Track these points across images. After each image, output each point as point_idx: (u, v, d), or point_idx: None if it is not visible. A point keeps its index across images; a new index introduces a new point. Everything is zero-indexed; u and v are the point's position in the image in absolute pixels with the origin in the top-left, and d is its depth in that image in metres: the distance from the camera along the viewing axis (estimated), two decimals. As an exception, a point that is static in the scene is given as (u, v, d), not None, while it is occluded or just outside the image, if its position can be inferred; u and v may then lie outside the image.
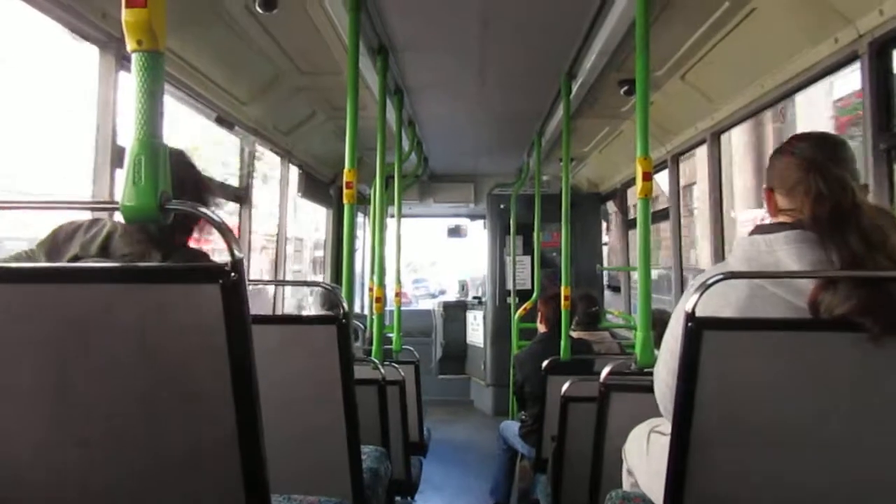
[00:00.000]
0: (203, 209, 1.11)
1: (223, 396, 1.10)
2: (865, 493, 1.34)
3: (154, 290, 1.12)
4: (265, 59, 3.58)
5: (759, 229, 1.53)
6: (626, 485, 2.03)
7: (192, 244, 1.74)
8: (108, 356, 1.13)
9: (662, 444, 1.71)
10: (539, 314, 4.29)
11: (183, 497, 1.19)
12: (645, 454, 1.90)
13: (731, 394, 1.34)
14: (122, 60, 2.49)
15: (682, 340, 1.32)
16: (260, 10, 2.80)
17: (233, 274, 1.07)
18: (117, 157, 2.49)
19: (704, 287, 1.33)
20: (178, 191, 1.13)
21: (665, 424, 1.77)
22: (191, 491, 1.18)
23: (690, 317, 1.29)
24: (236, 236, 1.19)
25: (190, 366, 1.13)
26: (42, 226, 1.69)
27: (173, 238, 1.66)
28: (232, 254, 1.08)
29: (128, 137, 1.08)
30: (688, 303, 1.32)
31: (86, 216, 1.71)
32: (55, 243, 1.66)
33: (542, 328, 4.24)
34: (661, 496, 1.40)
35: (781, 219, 1.54)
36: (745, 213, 10.39)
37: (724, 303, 1.42)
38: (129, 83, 1.08)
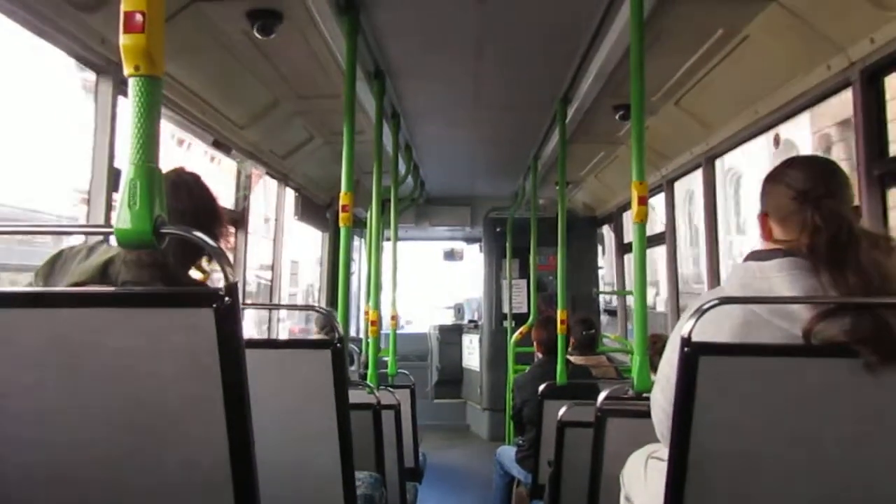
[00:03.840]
0: (198, 234, 1.10)
1: (216, 421, 1.09)
2: None
3: (148, 314, 1.12)
4: (263, 84, 3.60)
5: (754, 256, 1.53)
6: (624, 512, 2.00)
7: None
8: (100, 380, 1.12)
9: (661, 471, 1.69)
10: (534, 341, 4.28)
11: None
12: (643, 480, 1.88)
13: (727, 419, 1.33)
14: (121, 85, 2.50)
15: (678, 366, 1.31)
16: (258, 35, 2.82)
17: (227, 298, 1.07)
18: (114, 181, 2.49)
19: (700, 312, 1.33)
20: (191, 218, 1.13)
21: (663, 450, 1.75)
22: None
23: (686, 342, 1.29)
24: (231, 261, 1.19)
25: (183, 390, 1.12)
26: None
27: (179, 268, 1.65)
28: (226, 278, 1.08)
29: (124, 161, 1.08)
30: (683, 328, 1.31)
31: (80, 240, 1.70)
32: (53, 269, 1.64)
33: (538, 353, 4.22)
34: None
35: (776, 246, 1.54)
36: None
37: (718, 330, 1.41)
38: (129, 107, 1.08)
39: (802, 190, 1.50)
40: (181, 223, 1.12)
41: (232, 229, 4.08)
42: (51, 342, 1.11)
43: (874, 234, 1.44)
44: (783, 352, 1.33)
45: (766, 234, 1.60)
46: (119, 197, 1.06)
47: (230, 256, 1.20)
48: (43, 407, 1.13)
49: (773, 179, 1.60)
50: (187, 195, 1.72)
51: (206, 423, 1.12)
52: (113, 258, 1.61)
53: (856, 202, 1.56)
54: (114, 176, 2.49)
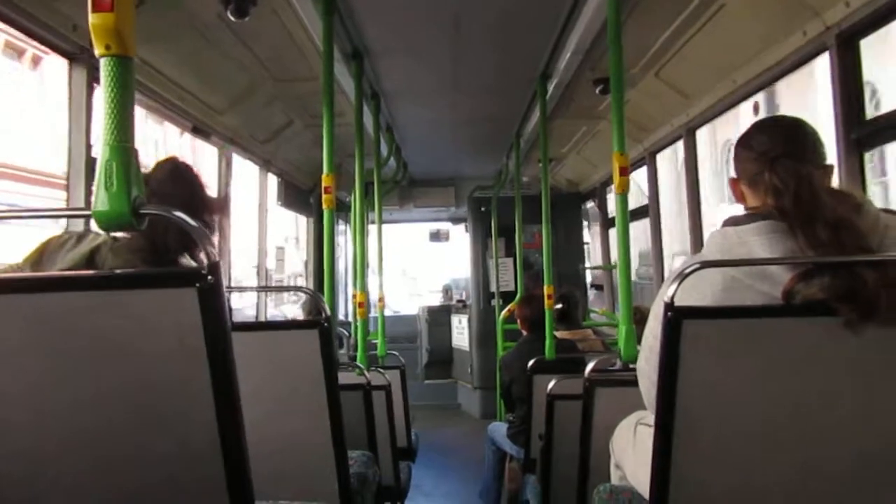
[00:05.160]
0: (178, 214, 1.09)
1: (204, 400, 1.09)
2: (848, 476, 1.35)
3: (132, 295, 1.11)
4: (239, 67, 3.57)
5: (731, 221, 1.52)
6: (615, 478, 2.03)
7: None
8: (87, 363, 1.12)
9: (649, 436, 1.71)
10: (518, 319, 4.30)
11: (166, 502, 1.17)
12: (632, 447, 1.90)
13: (712, 382, 1.34)
14: (95, 72, 2.47)
15: (661, 331, 1.32)
16: (232, 18, 2.78)
17: (209, 277, 1.06)
18: (91, 167, 2.47)
19: (682, 276, 1.33)
20: (189, 206, 1.12)
21: (651, 416, 1.77)
22: (173, 496, 1.17)
23: (669, 306, 1.30)
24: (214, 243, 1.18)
25: (170, 371, 1.12)
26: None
27: (167, 254, 1.64)
28: (208, 257, 1.08)
29: (98, 143, 1.07)
30: (666, 293, 1.32)
31: (61, 225, 1.69)
32: (41, 257, 1.65)
33: (524, 331, 4.25)
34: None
35: (752, 211, 1.54)
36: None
37: (699, 296, 1.41)
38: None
39: (763, 151, 1.51)
40: (183, 211, 1.11)
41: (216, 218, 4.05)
42: (36, 327, 1.11)
43: (837, 190, 1.44)
44: (765, 312, 1.35)
45: (739, 198, 1.61)
46: (96, 179, 1.05)
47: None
48: (30, 391, 1.12)
49: (740, 144, 1.61)
50: (189, 184, 1.73)
51: (194, 403, 1.12)
52: (99, 246, 1.61)
53: (829, 161, 1.55)
54: (91, 163, 2.47)
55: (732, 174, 1.64)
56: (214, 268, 1.07)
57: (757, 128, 1.60)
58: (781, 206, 1.41)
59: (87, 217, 1.07)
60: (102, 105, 1.05)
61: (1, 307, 1.11)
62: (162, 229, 1.57)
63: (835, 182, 1.54)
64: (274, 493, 1.81)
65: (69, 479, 1.16)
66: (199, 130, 3.68)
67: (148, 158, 1.63)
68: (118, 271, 1.36)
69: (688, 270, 1.34)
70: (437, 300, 9.55)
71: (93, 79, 2.48)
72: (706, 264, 1.39)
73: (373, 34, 3.37)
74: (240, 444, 1.12)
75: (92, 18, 1.02)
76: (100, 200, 1.04)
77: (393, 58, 3.74)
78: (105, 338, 1.11)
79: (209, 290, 1.07)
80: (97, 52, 1.04)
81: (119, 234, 1.61)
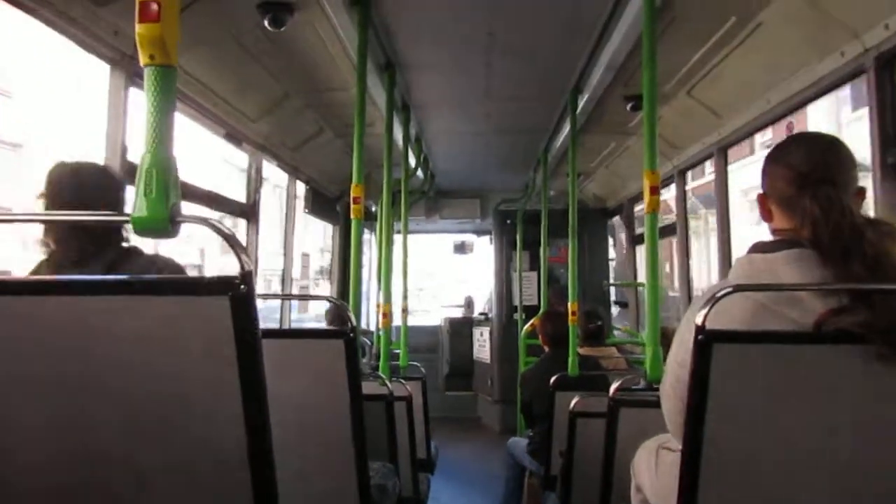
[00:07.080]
0: (214, 221, 1.11)
1: (232, 409, 1.10)
2: None
3: (160, 301, 1.12)
4: (274, 76, 3.61)
5: (758, 247, 1.48)
6: (635, 501, 2.00)
7: None
8: (113, 368, 1.13)
9: (671, 460, 1.69)
10: (539, 335, 4.29)
11: None
12: (654, 470, 1.87)
13: (741, 407, 1.32)
14: (133, 77, 2.52)
15: (691, 354, 1.30)
16: (269, 28, 2.83)
17: (242, 286, 1.07)
18: (127, 172, 2.51)
19: (714, 300, 1.31)
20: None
21: (673, 440, 1.74)
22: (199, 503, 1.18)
23: (700, 329, 1.28)
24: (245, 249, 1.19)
25: (198, 378, 1.13)
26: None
27: (108, 236, 1.71)
28: (241, 266, 1.09)
29: (139, 150, 1.09)
30: (697, 316, 1.30)
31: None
32: None
33: (545, 347, 4.23)
34: None
35: (780, 235, 1.49)
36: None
37: (727, 321, 1.37)
38: (140, 99, 1.09)
39: (802, 173, 1.44)
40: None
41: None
42: (66, 330, 1.12)
43: (877, 221, 1.39)
44: (798, 339, 1.32)
45: (766, 215, 1.55)
46: (135, 185, 1.07)
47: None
48: (60, 394, 1.14)
49: (773, 159, 1.53)
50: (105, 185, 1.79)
51: (223, 410, 1.13)
52: (51, 253, 1.66)
53: (868, 195, 1.50)
54: (125, 166, 2.51)
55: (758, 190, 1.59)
56: (247, 277, 1.08)
57: (791, 144, 1.53)
58: (817, 237, 1.36)
59: (126, 222, 1.09)
60: (145, 113, 1.07)
61: (32, 309, 1.12)
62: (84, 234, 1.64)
63: (869, 208, 1.49)
64: (295, 502, 1.81)
65: (89, 483, 1.17)
66: (232, 137, 3.72)
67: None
68: (151, 277, 1.37)
69: (720, 294, 1.32)
70: (456, 314, 9.52)
71: (131, 83, 2.53)
72: (739, 287, 1.36)
73: (406, 47, 3.40)
74: (268, 453, 1.12)
75: (138, 29, 1.04)
76: (138, 206, 1.06)
77: (425, 70, 3.77)
78: (134, 344, 1.12)
79: (242, 298, 1.07)
80: (142, 61, 1.07)
81: (52, 247, 1.68)
